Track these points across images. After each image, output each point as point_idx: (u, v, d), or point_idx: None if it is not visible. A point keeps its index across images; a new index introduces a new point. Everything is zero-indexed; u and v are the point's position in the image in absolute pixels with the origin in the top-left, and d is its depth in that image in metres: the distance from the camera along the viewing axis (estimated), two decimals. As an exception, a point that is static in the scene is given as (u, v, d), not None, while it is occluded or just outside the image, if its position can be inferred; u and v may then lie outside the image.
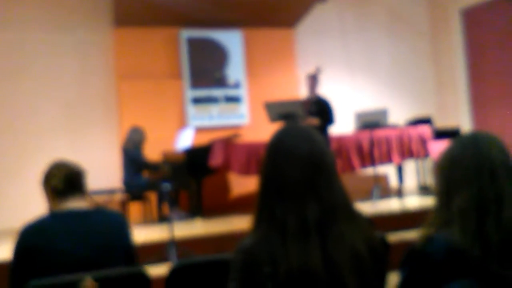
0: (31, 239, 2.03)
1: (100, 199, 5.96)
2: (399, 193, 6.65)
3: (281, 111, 5.62)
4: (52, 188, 2.14)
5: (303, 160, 1.31)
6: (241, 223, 5.02)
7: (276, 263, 1.22)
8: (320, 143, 1.35)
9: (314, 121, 5.79)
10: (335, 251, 1.25)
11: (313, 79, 6.09)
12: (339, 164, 6.36)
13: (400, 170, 6.88)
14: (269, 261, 1.22)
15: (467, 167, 1.38)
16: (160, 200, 6.01)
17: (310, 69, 6.58)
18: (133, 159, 5.96)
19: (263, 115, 5.98)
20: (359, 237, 1.30)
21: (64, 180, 2.12)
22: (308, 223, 1.25)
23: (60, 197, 2.13)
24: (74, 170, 2.16)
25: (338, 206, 1.30)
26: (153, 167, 6.08)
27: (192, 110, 7.22)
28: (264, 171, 1.36)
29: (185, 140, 6.20)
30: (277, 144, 1.36)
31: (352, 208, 1.36)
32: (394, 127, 6.89)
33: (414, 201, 6.15)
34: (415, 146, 6.65)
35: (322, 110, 5.96)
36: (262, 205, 1.33)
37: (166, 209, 5.82)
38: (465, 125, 8.13)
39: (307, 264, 1.22)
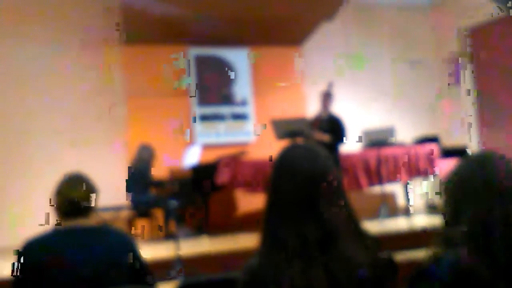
0: (33, 254, 2.02)
1: (107, 216, 5.96)
2: (407, 212, 6.60)
3: (287, 129, 5.62)
4: (56, 205, 2.14)
5: (302, 178, 1.30)
6: (247, 241, 4.99)
7: (281, 283, 1.21)
8: (323, 161, 1.34)
9: (325, 137, 5.76)
10: (339, 271, 1.23)
11: (327, 97, 6.04)
12: (346, 182, 6.33)
13: (407, 189, 6.84)
14: (274, 281, 1.22)
15: (475, 187, 1.38)
16: (167, 217, 6.00)
17: (316, 86, 6.59)
18: (141, 176, 5.96)
19: (270, 133, 5.98)
20: (364, 257, 1.28)
21: (68, 203, 2.12)
22: (308, 243, 1.24)
23: (64, 216, 2.14)
24: (81, 194, 2.15)
25: (341, 225, 1.29)
26: (159, 184, 6.08)
27: (199, 127, 7.24)
28: (267, 190, 1.36)
29: (192, 157, 6.21)
30: (278, 163, 1.37)
31: (358, 227, 1.34)
32: (401, 145, 6.87)
33: (421, 220, 6.10)
34: (422, 165, 6.62)
35: (333, 127, 5.92)
36: (266, 224, 1.33)
37: (172, 226, 5.81)
38: (472, 144, 8.08)
39: (311, 285, 1.21)
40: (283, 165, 1.35)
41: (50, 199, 2.17)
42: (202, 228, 5.92)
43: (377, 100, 8.48)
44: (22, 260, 2.02)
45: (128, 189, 5.99)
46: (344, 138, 5.94)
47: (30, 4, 6.83)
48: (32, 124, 6.67)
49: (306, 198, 1.29)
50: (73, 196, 2.12)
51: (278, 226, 1.29)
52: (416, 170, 6.63)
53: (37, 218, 5.05)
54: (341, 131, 5.94)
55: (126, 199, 6.13)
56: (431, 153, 6.68)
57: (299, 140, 5.54)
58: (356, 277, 1.25)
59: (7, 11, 6.68)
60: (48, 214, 2.21)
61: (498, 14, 7.42)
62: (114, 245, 2.12)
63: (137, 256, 2.18)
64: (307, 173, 1.31)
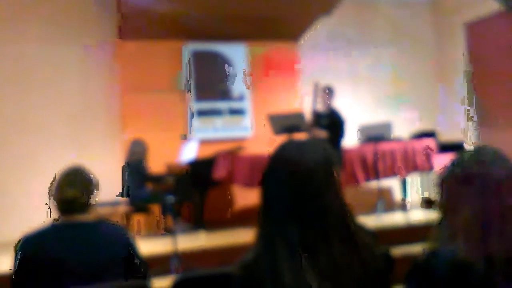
0: (31, 249, 2.03)
1: (104, 211, 5.95)
2: (403, 206, 6.62)
3: (284, 124, 5.62)
4: (55, 202, 2.14)
5: (288, 176, 1.28)
6: (244, 236, 5.00)
7: (276, 279, 1.21)
8: (313, 158, 1.29)
9: (322, 133, 5.74)
10: (330, 271, 1.22)
11: (328, 92, 6.00)
12: (343, 177, 6.33)
13: (404, 184, 6.85)
14: (270, 277, 1.21)
15: (471, 182, 1.38)
16: (164, 213, 6.00)
17: (313, 81, 6.57)
18: (137, 171, 5.95)
19: (267, 128, 5.97)
20: (356, 256, 1.26)
21: (65, 202, 2.12)
22: (298, 240, 1.23)
23: (62, 212, 2.14)
24: (78, 192, 2.13)
25: (330, 225, 1.26)
26: (156, 179, 6.07)
27: (196, 122, 7.23)
28: (260, 186, 1.35)
29: (189, 152, 6.20)
30: (270, 159, 1.35)
31: (350, 225, 1.31)
32: (398, 140, 6.88)
33: (418, 215, 6.13)
34: (419, 160, 6.63)
35: (334, 123, 5.90)
36: (260, 219, 1.32)
37: (169, 221, 5.81)
38: (469, 139, 8.10)
39: (304, 283, 1.20)
40: (273, 161, 1.33)
41: (48, 195, 2.17)
42: (199, 223, 5.92)
43: (374, 95, 8.49)
44: (20, 255, 2.03)
45: (125, 186, 5.94)
46: (343, 134, 5.92)
47: (27, 1, 6.80)
48: (28, 122, 6.65)
49: (289, 196, 1.27)
50: (69, 195, 2.11)
51: (271, 222, 1.28)
52: (413, 165, 6.64)
53: (36, 215, 5.05)
54: (341, 126, 5.92)
55: (120, 195, 6.04)
56: (428, 148, 6.70)
57: (299, 136, 5.54)
58: (349, 277, 1.24)
59: (5, 9, 6.65)
60: (47, 210, 2.21)
61: (498, 9, 7.43)
62: (111, 240, 2.13)
63: (134, 251, 2.19)
64: (295, 168, 1.28)
